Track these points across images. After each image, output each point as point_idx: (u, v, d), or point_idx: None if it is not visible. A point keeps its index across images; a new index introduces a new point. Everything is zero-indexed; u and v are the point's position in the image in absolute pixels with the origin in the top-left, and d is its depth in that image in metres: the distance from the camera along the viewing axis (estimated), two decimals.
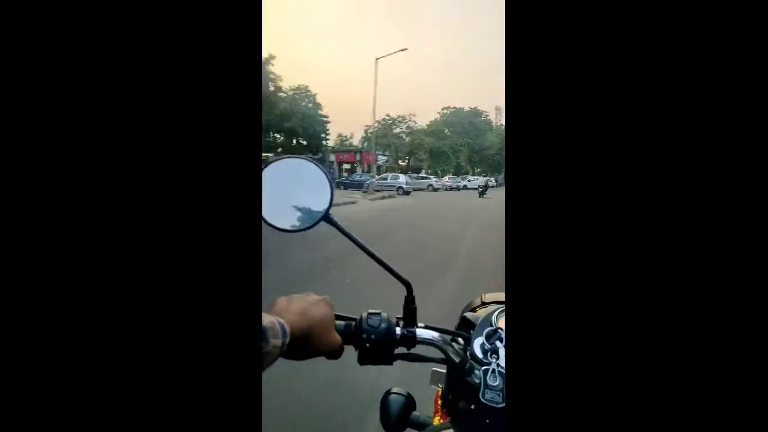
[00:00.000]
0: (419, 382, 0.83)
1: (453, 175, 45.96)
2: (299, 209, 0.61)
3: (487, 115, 58.75)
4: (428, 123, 53.16)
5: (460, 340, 0.64)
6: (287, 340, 0.47)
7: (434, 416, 0.75)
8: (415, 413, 0.74)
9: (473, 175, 50.69)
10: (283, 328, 0.47)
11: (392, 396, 0.74)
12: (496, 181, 45.81)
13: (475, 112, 56.94)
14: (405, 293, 0.62)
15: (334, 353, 0.56)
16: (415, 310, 0.62)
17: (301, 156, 0.64)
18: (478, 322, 0.65)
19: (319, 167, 0.62)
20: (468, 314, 0.70)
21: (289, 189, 0.61)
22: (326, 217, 0.60)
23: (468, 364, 0.59)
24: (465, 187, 35.77)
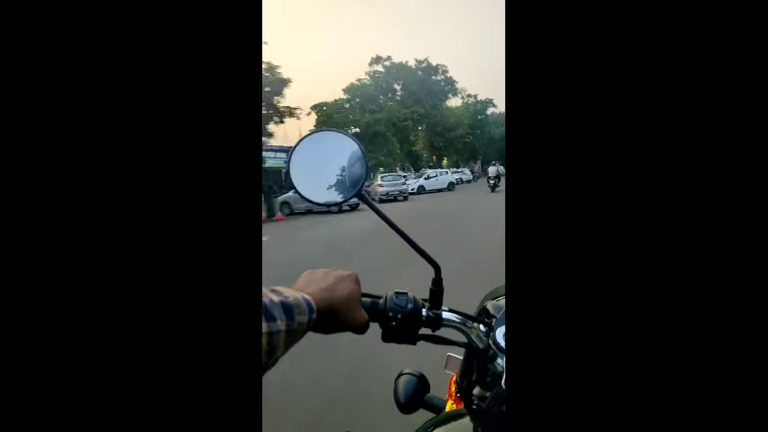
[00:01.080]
0: (433, 366, 0.83)
1: (390, 172, 25.10)
2: (334, 183, 0.61)
3: (447, 72, 39.33)
4: (346, 86, 35.26)
5: (482, 327, 0.64)
6: (314, 315, 0.47)
7: (447, 400, 0.76)
8: (429, 395, 0.74)
9: (442, 166, 34.02)
10: (309, 304, 0.46)
11: (406, 377, 0.74)
12: (472, 171, 34.82)
13: (429, 69, 37.52)
14: (433, 275, 0.62)
15: (360, 329, 0.56)
16: (441, 292, 0.62)
17: (340, 130, 0.64)
18: (500, 311, 0.65)
19: (355, 141, 0.61)
20: (489, 303, 0.70)
21: (325, 162, 0.61)
22: (359, 193, 0.60)
23: (491, 351, 0.59)
24: (420, 191, 23.28)
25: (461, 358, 0.73)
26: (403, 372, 0.76)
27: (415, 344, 0.60)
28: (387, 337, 0.59)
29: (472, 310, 0.72)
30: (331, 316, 0.52)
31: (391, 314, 0.58)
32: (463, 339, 0.61)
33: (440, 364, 0.79)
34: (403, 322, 0.58)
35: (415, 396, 0.73)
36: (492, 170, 19.71)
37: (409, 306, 0.58)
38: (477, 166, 42.17)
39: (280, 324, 0.41)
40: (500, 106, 44.24)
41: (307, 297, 0.47)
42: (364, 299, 0.58)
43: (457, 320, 0.62)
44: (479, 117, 43.07)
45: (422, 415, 0.73)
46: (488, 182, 19.52)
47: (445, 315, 0.61)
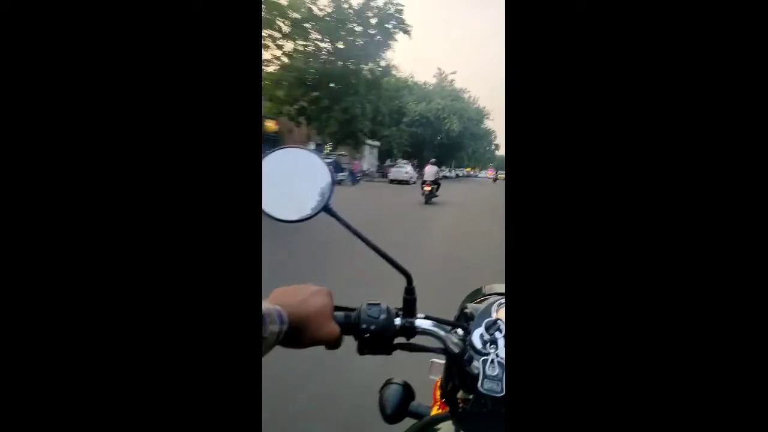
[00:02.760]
0: (420, 373, 0.83)
1: None
2: (299, 199, 0.61)
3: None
4: None
5: (460, 330, 0.64)
6: (285, 327, 0.47)
7: (433, 406, 0.76)
8: (414, 403, 0.74)
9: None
10: (280, 315, 0.47)
11: (391, 386, 0.74)
12: (415, 166, 27.32)
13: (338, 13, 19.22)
14: (405, 284, 0.62)
15: (333, 343, 0.57)
16: (414, 300, 0.62)
17: (301, 146, 0.64)
18: (477, 313, 0.65)
19: (319, 157, 0.62)
20: (468, 305, 0.70)
21: (289, 179, 0.61)
22: (326, 207, 0.60)
23: (467, 355, 0.59)
24: None
25: (443, 362, 0.73)
26: (388, 382, 0.75)
27: (390, 354, 0.60)
28: (362, 350, 0.59)
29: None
30: (303, 329, 0.52)
31: (364, 326, 0.58)
32: (440, 345, 0.61)
33: (426, 370, 0.79)
34: (377, 333, 0.58)
35: (401, 405, 0.72)
36: (430, 171, 13.10)
37: (382, 316, 0.59)
38: (363, 160, 28.36)
39: None
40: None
41: (279, 309, 0.48)
42: (337, 313, 0.59)
43: (432, 327, 0.62)
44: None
45: (408, 424, 0.73)
46: (422, 188, 12.84)
47: (419, 323, 0.61)
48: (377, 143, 30.37)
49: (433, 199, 12.99)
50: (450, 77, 42.66)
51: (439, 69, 44.90)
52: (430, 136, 38.22)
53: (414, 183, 20.16)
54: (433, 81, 42.16)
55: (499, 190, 21.62)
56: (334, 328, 0.56)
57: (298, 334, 0.52)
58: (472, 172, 64.62)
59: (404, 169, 24.37)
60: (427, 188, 12.70)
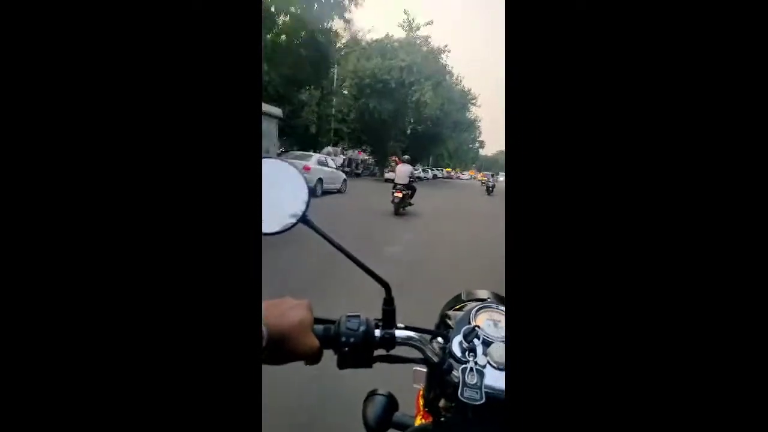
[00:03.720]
0: (405, 382, 0.82)
1: None
2: (275, 211, 0.61)
3: None
4: None
5: (440, 339, 0.64)
6: (263, 344, 0.46)
7: (416, 416, 0.75)
8: (398, 414, 0.74)
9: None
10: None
11: (374, 397, 0.74)
12: (368, 165, 23.01)
13: None
14: (384, 294, 0.62)
15: (312, 358, 0.56)
16: (394, 311, 0.62)
17: (273, 157, 0.64)
18: (456, 321, 0.65)
19: (294, 167, 0.62)
20: (448, 312, 0.70)
21: (266, 190, 0.61)
22: (303, 218, 0.60)
23: (447, 363, 0.59)
24: None
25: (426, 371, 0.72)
26: (371, 393, 0.75)
27: (371, 367, 0.60)
28: (342, 364, 0.59)
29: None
30: (281, 344, 0.51)
31: (344, 339, 0.57)
32: (420, 355, 0.61)
33: (410, 379, 0.78)
34: (357, 346, 0.57)
35: (384, 416, 0.72)
36: (402, 171, 9.51)
37: (362, 329, 0.58)
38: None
39: None
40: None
41: None
42: (317, 326, 0.58)
43: (411, 337, 0.62)
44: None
45: None
46: (392, 194, 9.36)
47: (399, 333, 0.61)
48: (277, 111, 12.72)
49: (406, 208, 9.60)
50: (422, 30, 29.01)
51: (407, 14, 29.17)
52: (392, 116, 24.67)
53: (342, 192, 13.32)
54: (401, 36, 28.13)
55: (499, 203, 15.36)
56: (313, 343, 0.55)
57: (276, 350, 0.51)
58: (452, 173, 52.41)
59: (317, 159, 12.73)
60: (398, 194, 9.25)
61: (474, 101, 37.30)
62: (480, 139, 53.66)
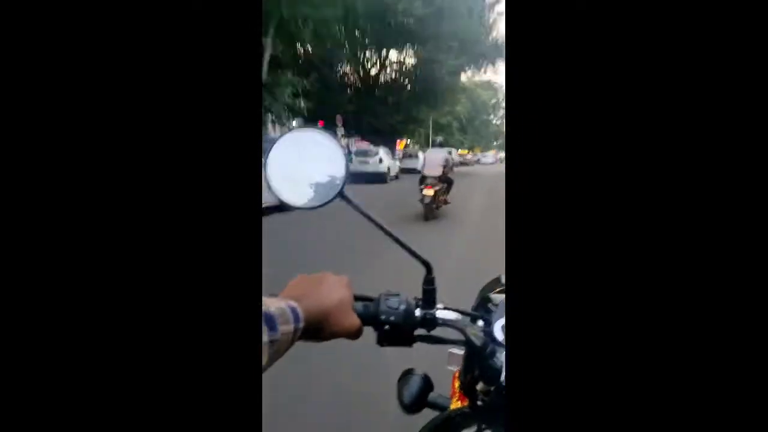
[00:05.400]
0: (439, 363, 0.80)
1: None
2: (313, 185, 0.59)
3: None
4: None
5: (480, 321, 0.62)
6: (300, 325, 0.46)
7: (452, 398, 0.74)
8: (433, 394, 0.73)
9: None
10: (295, 312, 0.45)
11: (409, 376, 0.73)
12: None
13: None
14: (424, 273, 0.59)
15: (353, 335, 0.55)
16: (434, 291, 0.61)
17: (314, 128, 0.61)
18: (498, 303, 0.63)
19: (333, 140, 0.59)
20: (489, 295, 0.68)
21: (303, 163, 0.59)
22: (341, 193, 0.57)
23: (489, 347, 0.57)
24: None
25: (462, 353, 0.71)
26: (406, 372, 0.74)
27: (411, 346, 0.59)
28: (382, 341, 0.58)
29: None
30: (323, 324, 0.51)
31: (383, 317, 0.56)
32: (461, 337, 0.59)
33: (443, 360, 0.77)
34: (397, 325, 0.56)
35: (420, 396, 0.71)
36: (434, 158, 7.03)
37: (401, 308, 0.57)
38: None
39: (262, 335, 0.40)
40: None
41: (294, 305, 0.46)
42: (356, 303, 0.57)
43: (453, 319, 0.60)
44: None
45: (427, 415, 0.71)
46: (420, 191, 6.83)
47: (440, 314, 0.60)
48: None
49: (437, 210, 7.02)
50: None
51: None
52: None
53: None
54: None
55: None
56: (354, 321, 0.54)
57: (316, 328, 0.50)
58: (468, 156, 33.41)
59: None
60: (428, 192, 6.69)
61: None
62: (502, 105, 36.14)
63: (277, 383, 1.85)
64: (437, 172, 6.88)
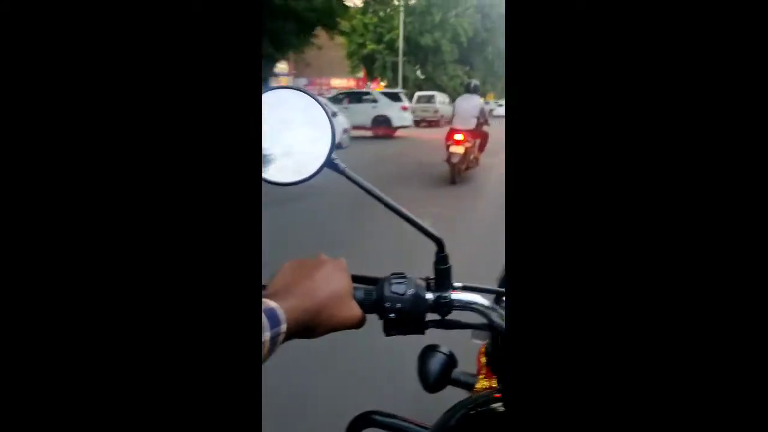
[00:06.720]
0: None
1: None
2: (297, 155, 0.50)
3: None
4: None
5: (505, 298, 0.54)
6: (282, 328, 0.40)
7: (478, 374, 0.68)
8: (457, 371, 0.67)
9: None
10: (274, 317, 0.39)
11: (431, 352, 0.66)
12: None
13: None
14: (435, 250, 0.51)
15: (355, 326, 0.48)
16: (449, 270, 0.52)
17: (294, 86, 0.52)
18: None
19: (315, 98, 0.49)
20: None
21: (282, 129, 0.50)
22: (329, 162, 0.49)
23: None
24: None
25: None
26: (429, 347, 0.67)
27: (423, 333, 0.51)
28: (389, 330, 0.50)
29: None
30: (317, 320, 0.44)
31: (388, 304, 0.48)
32: (482, 320, 0.51)
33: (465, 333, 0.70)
34: (405, 312, 0.48)
35: (443, 373, 0.65)
36: (465, 107, 5.83)
37: (409, 292, 0.49)
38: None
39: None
40: None
41: (272, 306, 0.40)
42: (357, 290, 0.49)
43: (472, 301, 0.51)
44: None
45: (451, 393, 0.65)
46: (447, 149, 5.75)
47: (456, 296, 0.51)
48: None
49: (468, 170, 6.04)
50: None
51: None
52: None
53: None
54: None
55: None
56: (354, 311, 0.47)
57: (311, 326, 0.44)
58: (490, 102, 23.56)
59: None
60: (457, 148, 5.69)
61: None
62: None
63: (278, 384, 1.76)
64: (470, 124, 5.76)
